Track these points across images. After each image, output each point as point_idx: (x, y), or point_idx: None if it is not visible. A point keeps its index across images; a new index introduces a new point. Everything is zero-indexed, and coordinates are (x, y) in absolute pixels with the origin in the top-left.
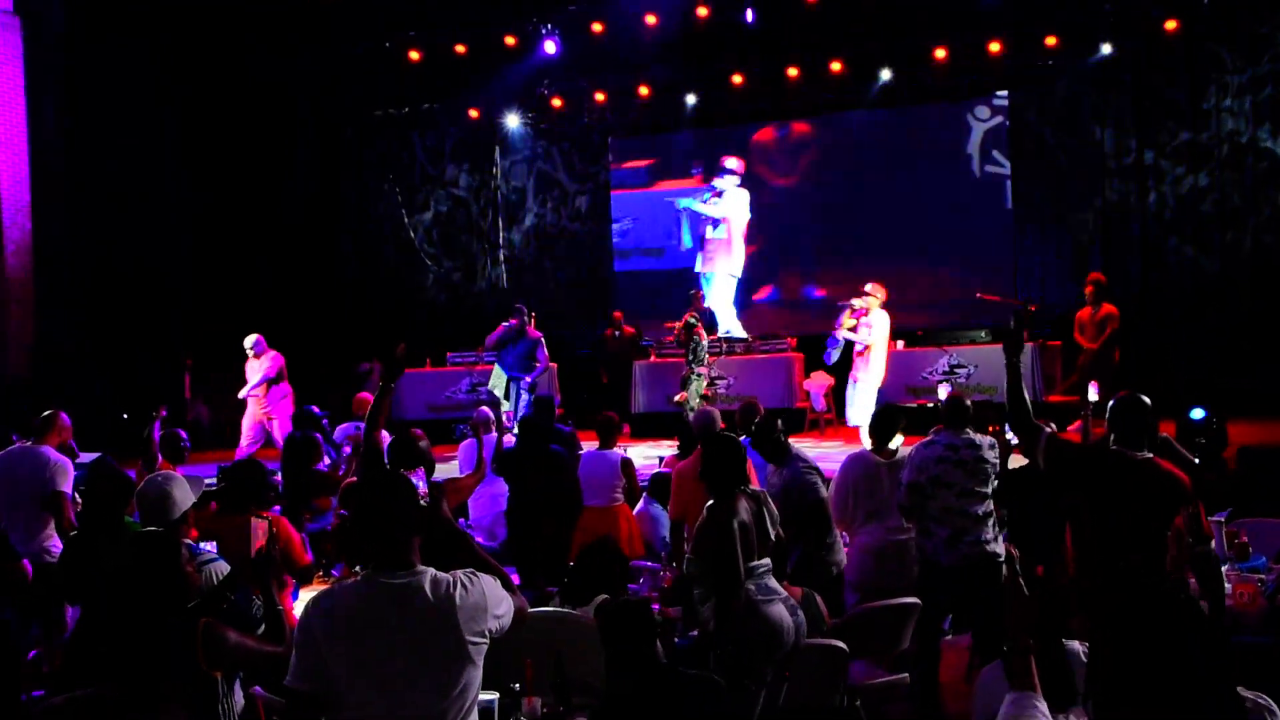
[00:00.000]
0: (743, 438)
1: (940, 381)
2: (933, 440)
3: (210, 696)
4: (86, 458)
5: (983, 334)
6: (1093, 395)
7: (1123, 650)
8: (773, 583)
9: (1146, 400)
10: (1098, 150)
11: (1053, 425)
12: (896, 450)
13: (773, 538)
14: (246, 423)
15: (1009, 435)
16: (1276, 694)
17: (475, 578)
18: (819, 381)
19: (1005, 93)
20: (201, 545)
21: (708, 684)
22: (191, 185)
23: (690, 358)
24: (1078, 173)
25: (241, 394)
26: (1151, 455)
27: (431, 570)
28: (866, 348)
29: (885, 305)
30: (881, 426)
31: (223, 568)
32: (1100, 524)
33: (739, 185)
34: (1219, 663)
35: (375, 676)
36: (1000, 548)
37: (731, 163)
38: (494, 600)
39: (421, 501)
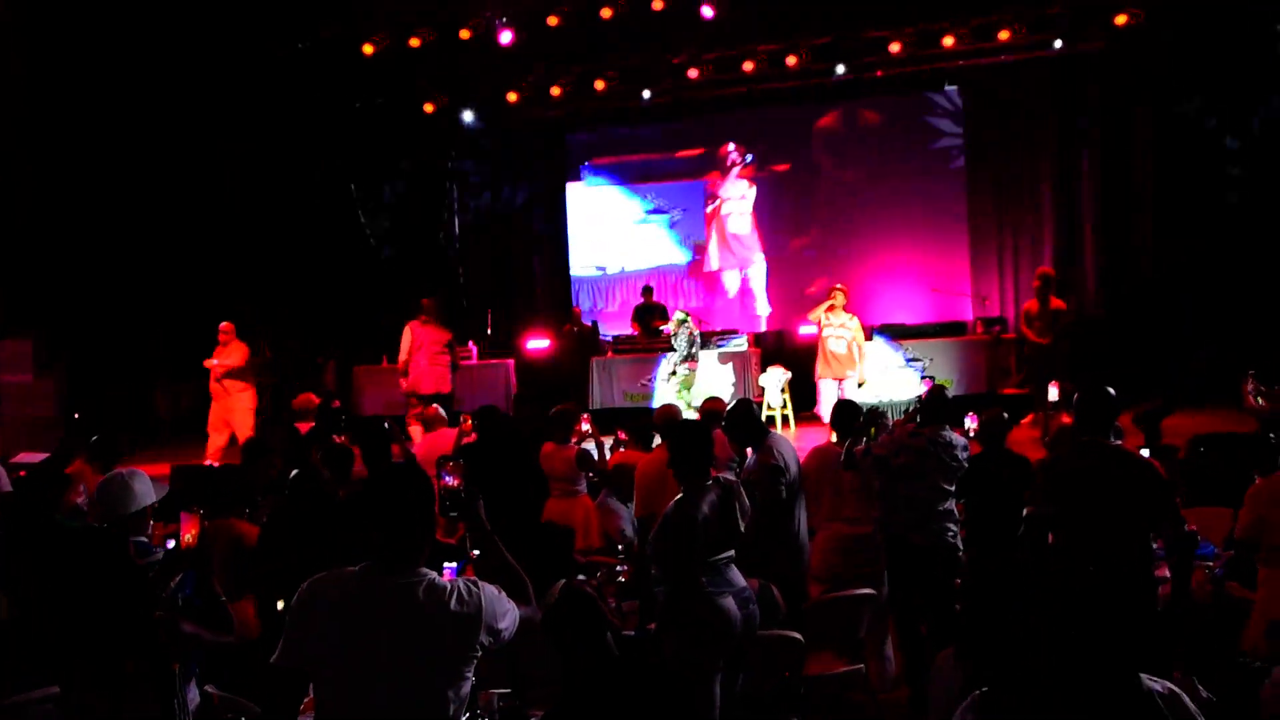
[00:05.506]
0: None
1: (922, 376)
2: (916, 432)
3: (166, 692)
4: (35, 457)
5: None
6: (1053, 394)
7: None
8: (732, 574)
9: (1111, 391)
10: (1053, 135)
11: (1005, 415)
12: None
13: (741, 529)
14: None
15: (968, 426)
16: (1222, 673)
17: (475, 588)
18: (776, 376)
19: (955, 87)
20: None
21: (663, 675)
22: (153, 172)
23: (688, 353)
24: (1030, 159)
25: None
26: (1122, 443)
27: (431, 575)
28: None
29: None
30: (844, 420)
31: None
32: (1079, 512)
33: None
34: (1129, 649)
35: (355, 671)
36: (959, 542)
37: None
38: (492, 613)
39: (461, 494)
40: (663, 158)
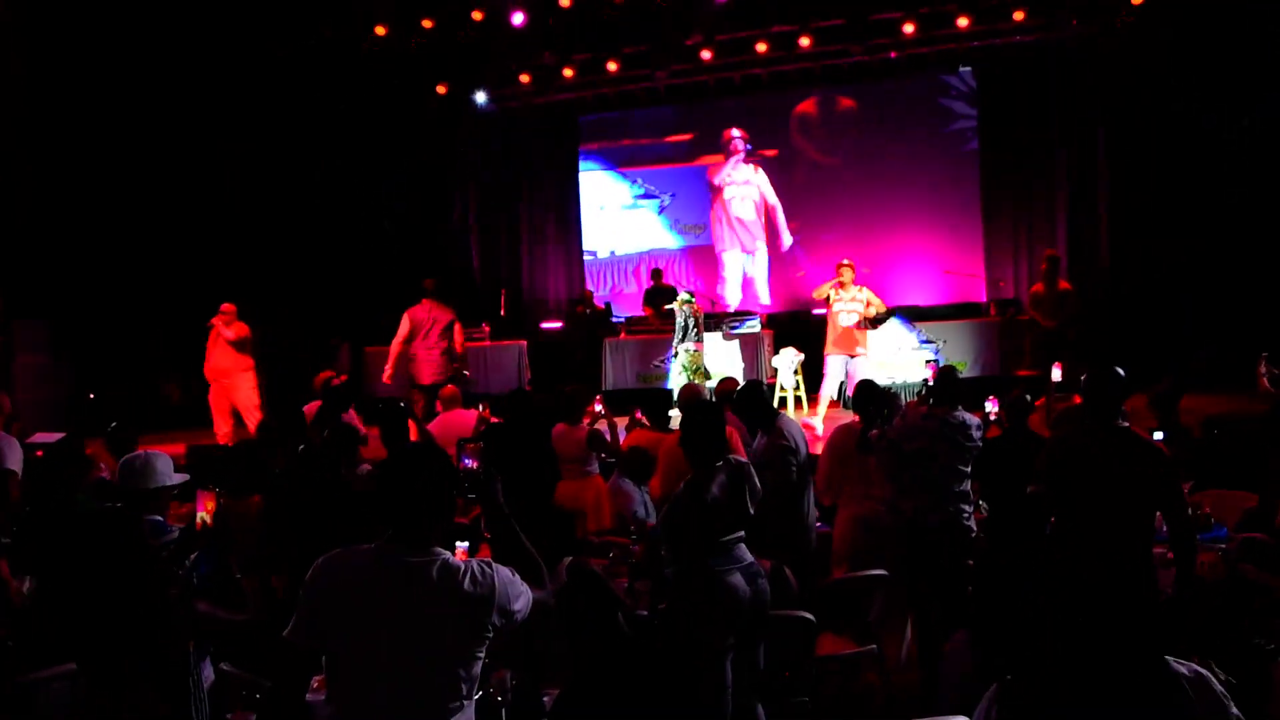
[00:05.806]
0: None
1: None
2: (929, 414)
3: (181, 670)
4: (51, 437)
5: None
6: (1056, 375)
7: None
8: (739, 551)
9: (1120, 372)
10: (1065, 118)
11: (1028, 396)
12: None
13: (751, 511)
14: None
15: (989, 410)
16: (1235, 657)
17: (489, 569)
18: (788, 358)
19: (969, 69)
20: (172, 527)
21: (674, 655)
22: (155, 170)
23: (692, 334)
24: (1044, 142)
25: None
26: (1128, 424)
27: (445, 555)
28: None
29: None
30: (867, 399)
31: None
32: (1083, 493)
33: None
34: (1148, 632)
35: (366, 648)
36: (973, 523)
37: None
38: (505, 595)
39: (478, 476)
40: (652, 143)
